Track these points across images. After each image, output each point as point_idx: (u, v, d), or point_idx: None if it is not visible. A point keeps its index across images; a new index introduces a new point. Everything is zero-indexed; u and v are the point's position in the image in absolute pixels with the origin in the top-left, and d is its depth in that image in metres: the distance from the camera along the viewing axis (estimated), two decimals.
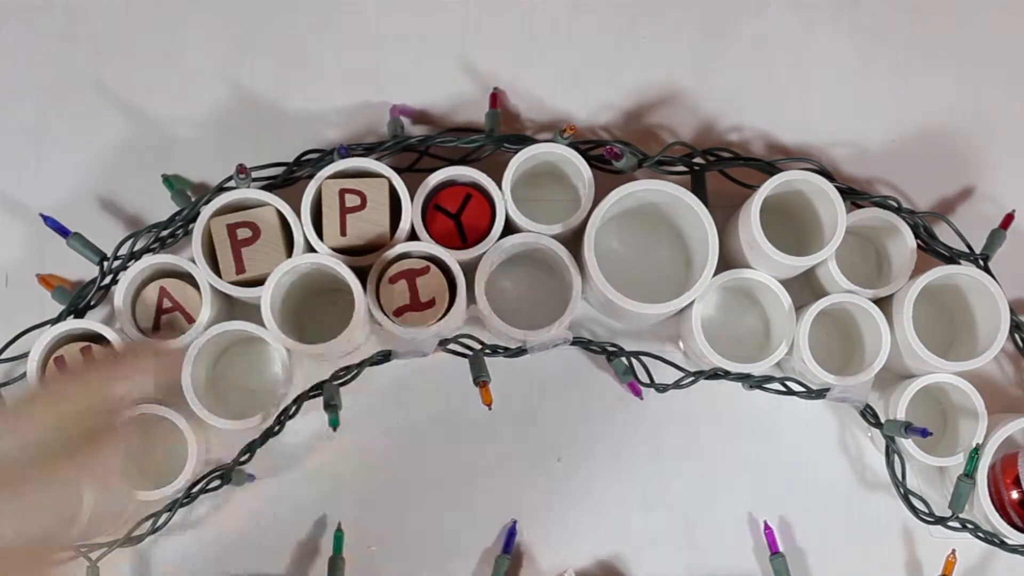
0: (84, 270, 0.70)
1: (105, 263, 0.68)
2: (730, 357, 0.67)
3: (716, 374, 0.68)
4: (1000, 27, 0.75)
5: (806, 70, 0.75)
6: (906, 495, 0.68)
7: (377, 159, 0.66)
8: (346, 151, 0.66)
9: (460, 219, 0.67)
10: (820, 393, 0.67)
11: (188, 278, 0.67)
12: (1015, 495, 0.66)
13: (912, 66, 0.75)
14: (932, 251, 0.70)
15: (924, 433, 0.64)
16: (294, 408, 0.67)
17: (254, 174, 0.66)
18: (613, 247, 0.72)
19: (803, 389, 0.68)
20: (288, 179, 0.69)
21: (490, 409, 0.65)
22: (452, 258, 0.64)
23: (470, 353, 0.67)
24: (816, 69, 0.75)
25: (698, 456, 0.71)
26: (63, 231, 0.68)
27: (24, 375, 0.65)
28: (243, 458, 0.67)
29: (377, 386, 0.71)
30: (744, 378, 0.68)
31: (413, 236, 0.66)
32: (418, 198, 0.66)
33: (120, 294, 0.65)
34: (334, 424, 0.64)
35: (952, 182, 0.74)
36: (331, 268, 0.63)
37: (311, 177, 0.66)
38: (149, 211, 0.72)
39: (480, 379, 0.65)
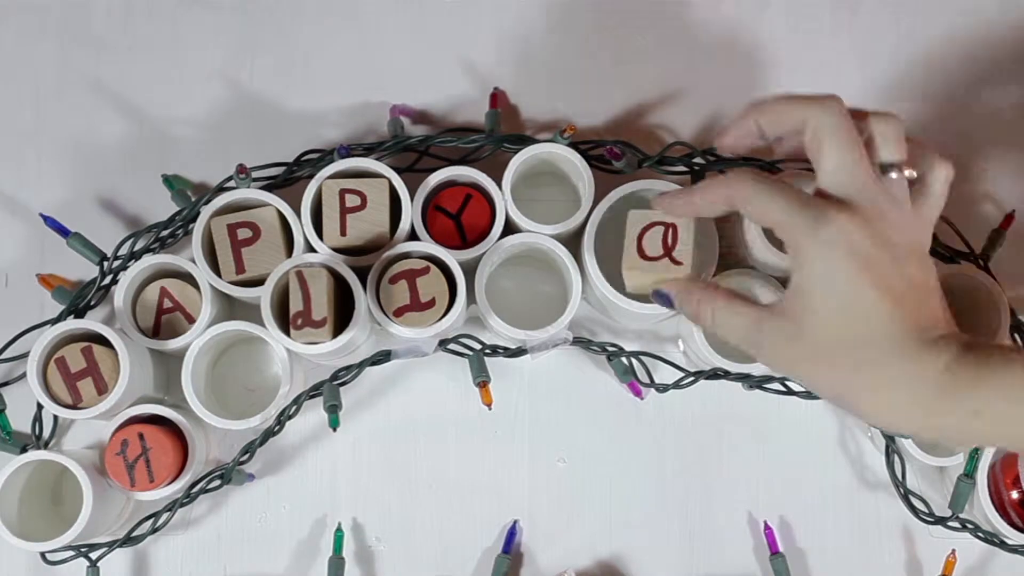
0: (84, 270, 0.70)
1: (105, 263, 0.68)
2: (730, 357, 0.67)
3: (716, 374, 0.68)
4: (1000, 27, 0.75)
5: (806, 70, 0.75)
6: (906, 495, 0.68)
7: (377, 159, 0.66)
8: (346, 151, 0.66)
9: (460, 219, 0.67)
10: None
11: (188, 278, 0.67)
12: (1015, 495, 0.66)
13: (912, 66, 0.75)
14: (932, 251, 0.69)
15: None
16: (294, 408, 0.67)
17: (254, 174, 0.66)
18: (613, 247, 0.71)
19: (803, 389, 0.68)
20: (288, 179, 0.69)
21: (490, 409, 0.65)
22: (452, 258, 0.64)
23: (470, 353, 0.67)
24: (816, 69, 0.75)
25: (698, 456, 0.71)
26: (63, 231, 0.68)
27: (24, 375, 0.65)
28: (243, 458, 0.67)
29: (377, 386, 0.71)
30: (744, 378, 0.68)
31: (413, 236, 0.66)
32: (418, 198, 0.66)
33: (120, 294, 0.65)
34: (334, 425, 0.64)
35: (952, 182, 0.74)
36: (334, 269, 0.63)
37: (311, 177, 0.66)
38: (149, 211, 0.72)
39: (480, 379, 0.66)
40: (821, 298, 0.49)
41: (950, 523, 0.67)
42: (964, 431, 0.48)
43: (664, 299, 0.58)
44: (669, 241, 0.62)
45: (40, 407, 0.67)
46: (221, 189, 0.67)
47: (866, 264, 0.48)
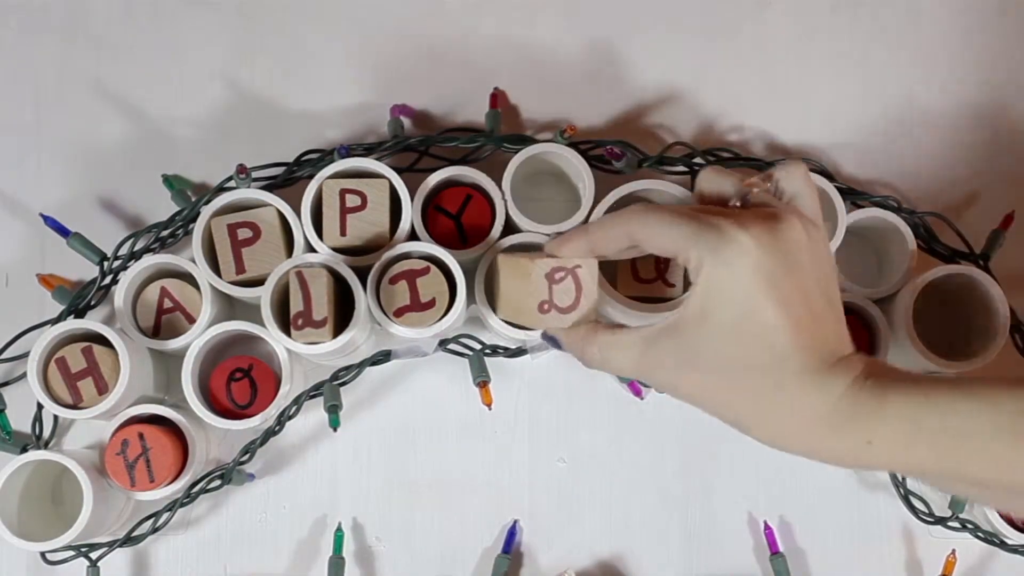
0: (84, 270, 0.70)
1: (105, 263, 0.68)
2: None
3: None
4: (1000, 27, 0.75)
5: (806, 70, 0.75)
6: (906, 495, 0.68)
7: (377, 159, 0.66)
8: (346, 151, 0.66)
9: (460, 219, 0.67)
10: None
11: (188, 278, 0.67)
12: None
13: (912, 66, 0.75)
14: (932, 251, 0.70)
15: None
16: (294, 408, 0.67)
17: (254, 174, 0.66)
18: None
19: None
20: (288, 179, 0.69)
21: (490, 409, 0.65)
22: (452, 258, 0.64)
23: (470, 353, 0.67)
24: (816, 69, 0.75)
25: (698, 456, 0.71)
26: (63, 231, 0.68)
27: (24, 375, 0.65)
28: (243, 458, 0.67)
29: (377, 386, 0.71)
30: None
31: (413, 236, 0.66)
32: (418, 198, 0.66)
33: (120, 294, 0.65)
34: (334, 425, 0.64)
35: (952, 182, 0.74)
36: (334, 268, 0.63)
37: (311, 177, 0.66)
38: (149, 211, 0.72)
39: (480, 379, 0.66)
40: (720, 319, 0.47)
41: (950, 523, 0.67)
42: (856, 457, 0.48)
43: (553, 342, 0.57)
44: (662, 263, 0.63)
45: (40, 407, 0.67)
46: (221, 189, 0.67)
47: (769, 283, 0.47)
